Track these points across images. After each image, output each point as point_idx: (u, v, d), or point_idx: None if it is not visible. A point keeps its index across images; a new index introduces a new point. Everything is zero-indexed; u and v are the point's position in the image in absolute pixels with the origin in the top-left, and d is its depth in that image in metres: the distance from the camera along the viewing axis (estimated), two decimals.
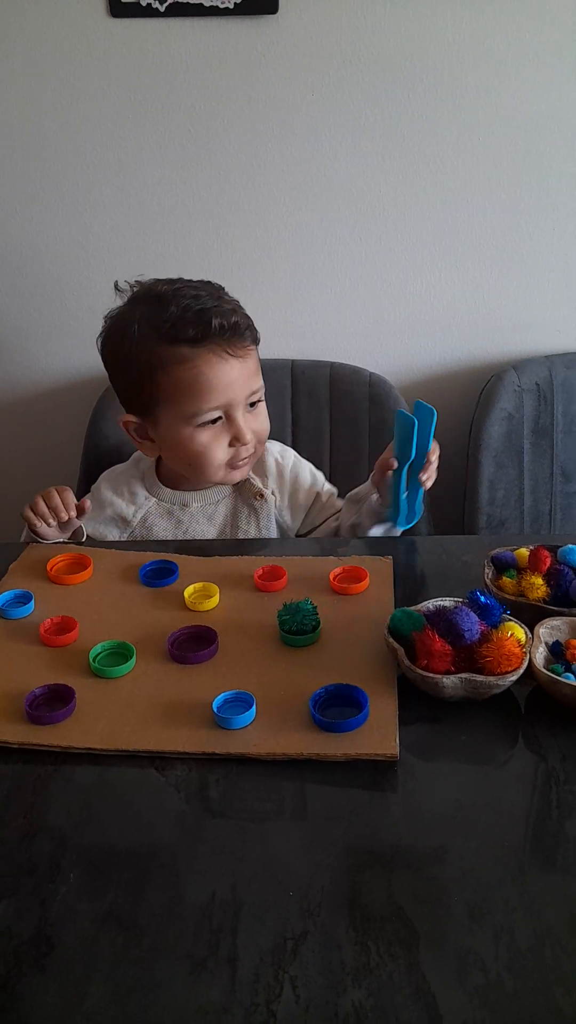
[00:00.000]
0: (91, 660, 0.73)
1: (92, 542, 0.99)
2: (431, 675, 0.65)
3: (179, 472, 1.02)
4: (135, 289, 0.98)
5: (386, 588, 0.83)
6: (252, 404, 0.97)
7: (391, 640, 0.69)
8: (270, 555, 0.90)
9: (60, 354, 1.29)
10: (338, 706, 0.67)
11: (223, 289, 0.99)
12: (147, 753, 0.63)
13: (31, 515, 0.94)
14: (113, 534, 1.03)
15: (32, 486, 1.36)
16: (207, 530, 1.03)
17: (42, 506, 0.94)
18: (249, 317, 0.97)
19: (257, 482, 1.02)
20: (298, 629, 0.74)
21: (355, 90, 1.13)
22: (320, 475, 1.07)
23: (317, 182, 1.18)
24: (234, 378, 0.93)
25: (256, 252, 1.22)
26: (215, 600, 0.82)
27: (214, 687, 0.69)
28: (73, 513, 0.95)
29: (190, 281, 0.96)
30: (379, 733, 0.63)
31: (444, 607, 0.72)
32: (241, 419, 0.94)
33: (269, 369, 1.24)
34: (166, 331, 0.91)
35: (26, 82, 1.14)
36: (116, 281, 0.99)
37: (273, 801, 0.60)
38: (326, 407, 1.23)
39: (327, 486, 1.07)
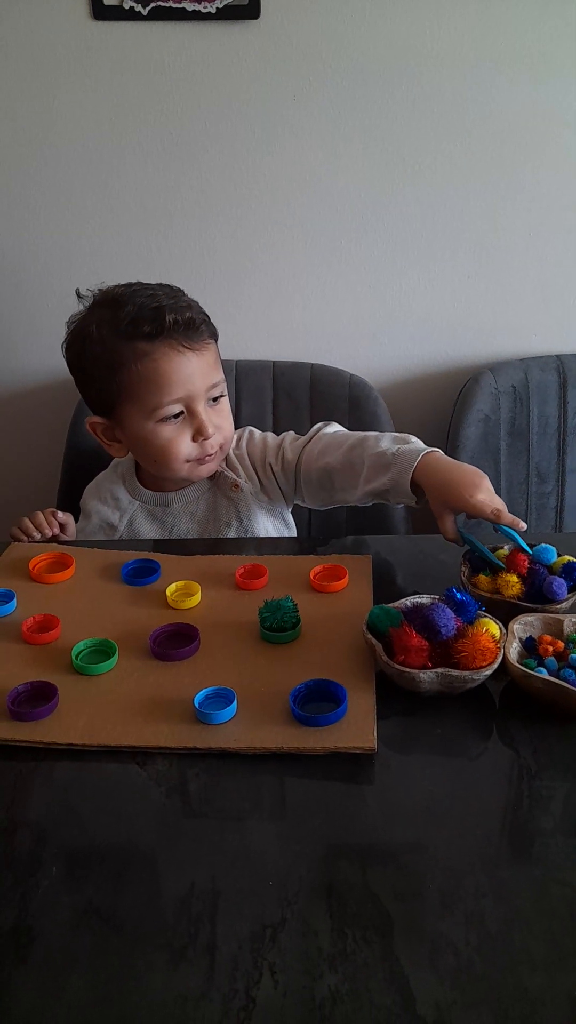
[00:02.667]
0: (73, 658, 0.73)
1: (78, 541, 1.00)
2: (408, 670, 0.66)
3: (152, 471, 1.03)
4: (95, 295, 0.99)
5: (365, 586, 0.84)
6: (215, 400, 0.98)
7: (369, 636, 0.71)
8: (251, 554, 0.91)
9: (41, 354, 1.29)
10: (317, 701, 0.68)
11: (181, 291, 1.00)
12: (128, 748, 0.64)
13: (16, 531, 0.98)
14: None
15: (11, 485, 1.37)
16: (191, 527, 1.04)
17: (27, 523, 0.98)
18: (205, 314, 0.98)
19: (231, 474, 1.03)
20: (278, 626, 0.76)
21: (335, 96, 1.15)
22: (269, 441, 1.04)
23: (298, 186, 1.20)
24: (192, 371, 0.94)
25: (238, 255, 1.24)
26: (197, 598, 0.83)
27: (195, 683, 0.70)
28: (56, 530, 0.98)
29: (148, 284, 0.99)
30: (357, 727, 0.64)
31: (421, 604, 0.74)
32: (203, 412, 0.96)
33: (250, 370, 1.26)
34: (123, 329, 0.92)
35: (7, 83, 1.15)
36: (77, 288, 1.00)
37: (253, 794, 0.61)
38: (306, 408, 1.24)
39: (274, 446, 1.02)
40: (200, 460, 0.99)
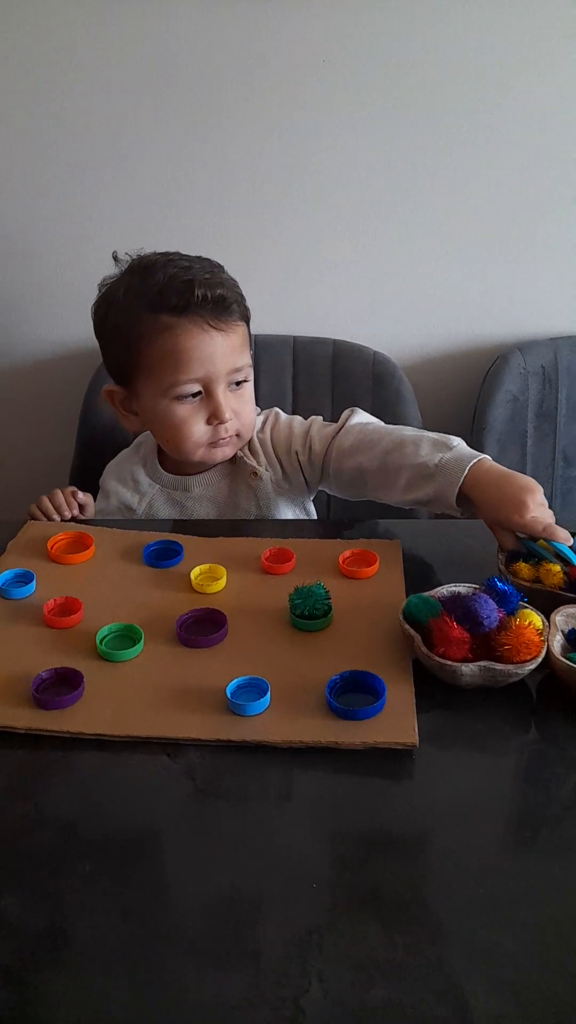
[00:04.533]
0: (98, 643, 0.71)
1: (98, 520, 0.97)
2: (449, 663, 0.64)
3: (166, 450, 1.00)
4: (131, 260, 0.96)
5: (396, 572, 0.82)
6: (237, 384, 0.95)
7: (407, 627, 0.68)
8: (274, 537, 0.89)
9: (54, 325, 1.25)
10: (353, 692, 0.65)
11: (221, 267, 0.96)
12: (158, 739, 0.62)
13: (36, 511, 0.94)
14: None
15: (23, 461, 1.34)
16: (210, 512, 1.01)
17: (46, 503, 0.94)
18: (240, 294, 0.94)
19: (251, 461, 0.99)
20: (310, 613, 0.73)
21: (360, 67, 1.10)
22: (294, 427, 0.99)
23: (321, 158, 1.15)
24: (215, 351, 0.90)
25: (258, 227, 1.19)
26: (222, 583, 0.80)
27: (225, 672, 0.67)
28: (76, 511, 0.95)
29: (187, 256, 0.94)
30: (397, 721, 0.62)
31: (459, 593, 0.71)
32: (221, 396, 0.92)
33: (269, 345, 1.22)
34: (150, 299, 0.89)
35: (22, 55, 1.09)
36: (115, 252, 0.97)
37: (290, 790, 0.59)
38: (327, 385, 1.20)
39: (300, 433, 0.97)
40: (214, 444, 0.95)
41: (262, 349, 1.22)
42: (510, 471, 0.80)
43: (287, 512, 1.00)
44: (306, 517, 1.04)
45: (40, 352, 1.27)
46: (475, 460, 0.82)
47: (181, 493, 1.01)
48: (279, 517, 0.99)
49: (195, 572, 0.81)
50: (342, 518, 1.20)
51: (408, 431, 0.91)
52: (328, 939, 0.48)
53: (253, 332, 1.20)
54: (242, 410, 0.95)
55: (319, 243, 1.20)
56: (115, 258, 0.96)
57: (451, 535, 0.91)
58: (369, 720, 0.62)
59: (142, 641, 0.71)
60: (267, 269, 1.21)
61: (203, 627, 0.74)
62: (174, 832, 0.56)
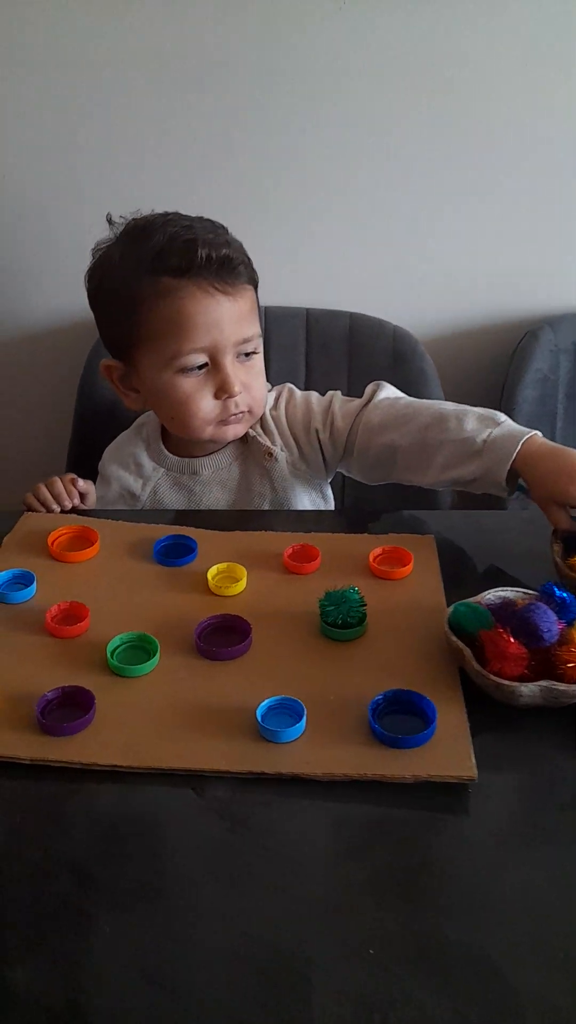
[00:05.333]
0: (109, 656, 0.63)
1: (102, 512, 0.90)
2: (507, 683, 0.57)
3: (171, 430, 0.92)
4: (127, 222, 0.88)
5: (432, 572, 0.75)
6: (246, 356, 0.87)
7: (455, 639, 0.61)
8: (292, 530, 0.81)
9: (48, 296, 1.16)
10: (398, 713, 0.59)
11: (224, 228, 0.88)
12: (182, 771, 0.55)
13: (33, 501, 0.86)
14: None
15: (18, 443, 1.25)
16: (220, 497, 0.93)
17: (44, 492, 0.86)
18: (247, 256, 0.87)
19: (264, 440, 0.92)
20: (344, 622, 0.66)
21: (378, 19, 1.00)
22: (312, 403, 0.92)
23: (337, 114, 1.05)
24: (221, 317, 0.83)
25: (269, 188, 1.10)
26: (242, 584, 0.73)
27: (252, 689, 0.61)
28: (76, 501, 0.87)
29: (187, 216, 0.87)
30: (450, 749, 0.55)
31: (510, 600, 0.65)
32: (229, 366, 0.85)
33: (281, 318, 1.13)
34: (149, 261, 0.82)
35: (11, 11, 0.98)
36: (109, 214, 0.89)
37: (334, 830, 0.52)
38: (344, 362, 1.12)
39: (320, 410, 0.91)
40: (224, 421, 0.88)
41: (272, 322, 1.13)
42: (562, 446, 0.75)
43: (303, 496, 0.93)
44: (323, 501, 0.97)
45: (32, 325, 1.18)
46: (527, 435, 0.77)
47: (188, 477, 0.93)
48: (295, 501, 0.92)
49: (212, 572, 0.73)
50: (364, 507, 1.13)
51: (448, 405, 0.84)
52: (391, 1016, 0.42)
53: (263, 304, 1.12)
54: (253, 384, 0.88)
55: (334, 207, 1.11)
56: (109, 220, 0.89)
57: (486, 527, 0.85)
58: (418, 748, 0.55)
59: (157, 653, 0.64)
60: (277, 235, 1.12)
61: (224, 636, 0.67)
62: (202, 879, 0.49)
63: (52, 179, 1.10)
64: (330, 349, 1.12)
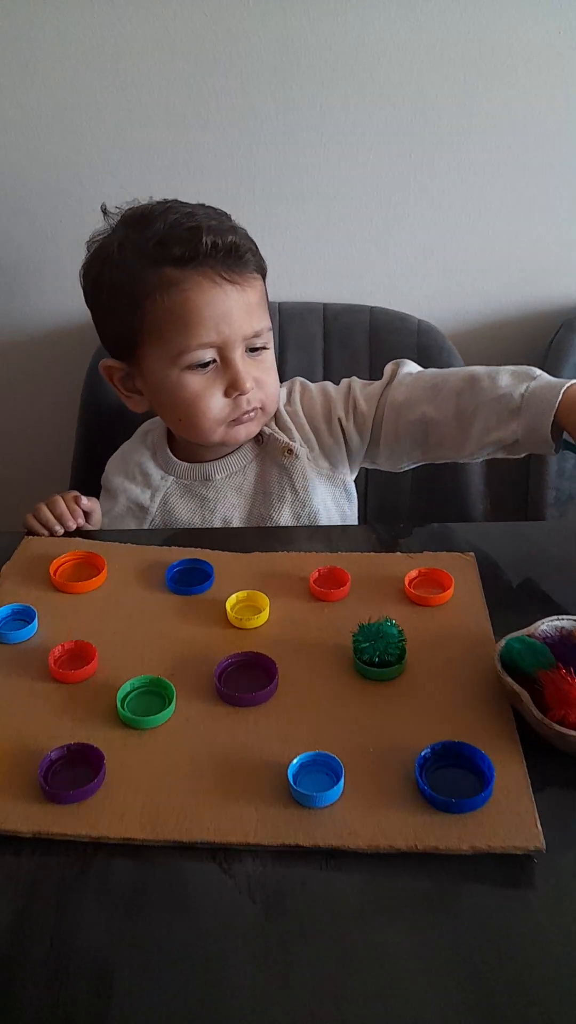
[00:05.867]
0: (119, 705, 0.57)
1: (110, 533, 0.83)
2: (573, 732, 0.50)
3: (179, 434, 0.86)
4: (124, 212, 0.82)
5: (475, 596, 0.67)
6: (255, 351, 0.81)
7: (510, 681, 0.54)
8: (314, 545, 0.74)
9: (49, 296, 1.09)
10: (448, 767, 0.52)
11: (227, 215, 0.83)
12: (206, 844, 0.48)
13: (34, 523, 0.80)
14: (131, 526, 0.87)
15: (19, 453, 1.19)
16: (237, 503, 0.87)
17: (46, 513, 0.80)
18: (254, 243, 0.81)
19: (282, 436, 0.86)
20: (381, 660, 0.59)
21: None
22: (330, 392, 0.88)
23: (359, 91, 0.97)
24: (230, 309, 0.77)
25: (284, 174, 1.02)
26: (265, 615, 0.66)
27: (281, 742, 0.54)
28: (81, 521, 0.81)
29: (187, 203, 0.81)
30: (512, 813, 0.48)
31: (567, 630, 0.57)
32: (239, 362, 0.79)
33: (296, 314, 1.06)
34: (150, 251, 0.77)
35: None
36: (103, 204, 0.83)
37: (379, 908, 0.45)
38: (365, 359, 1.05)
39: (340, 398, 0.86)
40: (236, 420, 0.81)
41: (287, 319, 1.06)
42: None
43: (326, 495, 0.87)
44: (347, 499, 0.90)
45: (30, 329, 1.11)
46: (568, 384, 0.72)
47: (200, 483, 0.87)
48: (318, 501, 0.86)
49: (231, 602, 0.67)
50: (392, 515, 1.06)
51: (477, 368, 0.79)
52: None
53: (276, 299, 1.05)
54: (265, 379, 0.82)
55: (351, 193, 1.03)
56: (104, 211, 0.83)
57: (528, 539, 0.78)
58: (476, 813, 0.48)
59: (174, 701, 0.57)
60: (295, 226, 1.04)
61: (247, 676, 0.60)
62: (234, 974, 0.42)
63: (44, 167, 1.02)
64: (350, 346, 1.05)
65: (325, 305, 1.06)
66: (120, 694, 0.57)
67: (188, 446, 0.87)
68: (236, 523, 0.86)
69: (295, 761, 0.51)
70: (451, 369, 0.82)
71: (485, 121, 0.99)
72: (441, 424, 0.79)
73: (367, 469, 0.93)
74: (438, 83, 0.97)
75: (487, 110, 0.99)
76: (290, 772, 0.51)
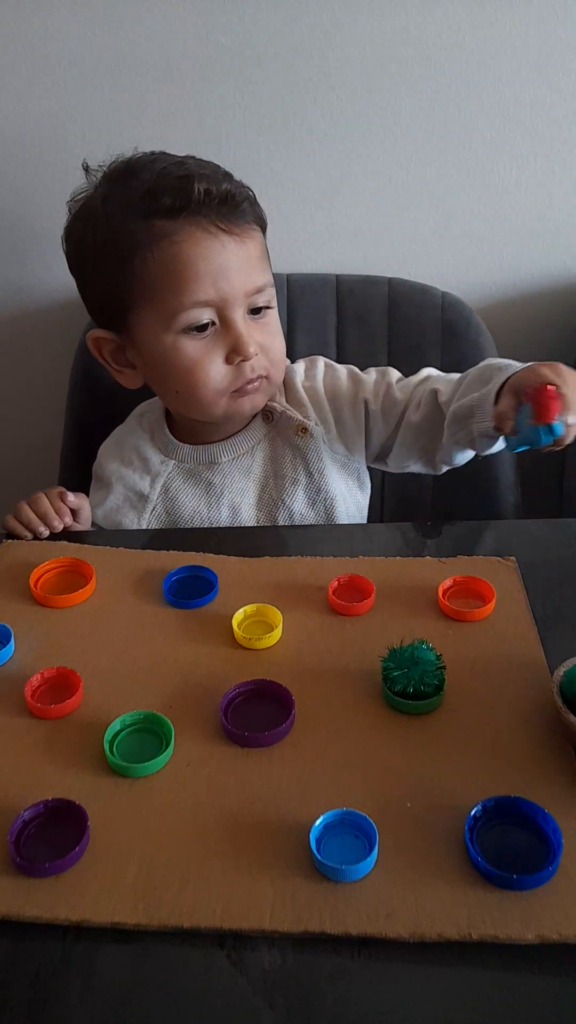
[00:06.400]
0: (107, 748, 0.48)
1: (100, 534, 0.75)
2: None
3: (177, 411, 0.79)
4: (107, 167, 0.75)
5: (520, 610, 0.59)
6: (258, 311, 0.74)
7: (570, 717, 0.45)
8: (334, 547, 0.65)
9: (31, 267, 0.99)
10: (503, 825, 0.43)
11: (218, 166, 0.75)
12: (212, 931, 0.40)
13: (15, 525, 0.71)
14: (129, 517, 0.79)
15: (1, 442, 1.10)
16: (246, 488, 0.79)
17: (28, 512, 0.71)
18: (250, 192, 0.74)
19: (295, 413, 0.78)
20: (416, 691, 0.50)
21: None
22: (359, 374, 0.82)
23: (375, 36, 0.86)
24: (227, 261, 0.70)
25: (292, 128, 0.92)
26: (277, 633, 0.57)
27: (301, 792, 0.45)
28: (68, 520, 0.73)
29: (174, 155, 0.74)
30: None
31: None
32: (240, 323, 0.71)
33: (306, 287, 0.97)
34: (137, 203, 0.70)
35: None
36: (84, 161, 0.75)
37: (426, 1011, 0.37)
38: (383, 336, 0.95)
39: (371, 380, 0.80)
40: (240, 391, 0.73)
41: (295, 293, 0.96)
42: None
43: (339, 482, 0.79)
44: (359, 489, 0.83)
45: (15, 305, 1.01)
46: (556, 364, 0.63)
47: (205, 467, 0.79)
48: (332, 488, 0.78)
49: (238, 617, 0.58)
50: (413, 507, 0.97)
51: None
52: None
53: (282, 271, 0.96)
54: (270, 344, 0.74)
55: (370, 153, 0.93)
56: (86, 168, 0.75)
57: (573, 538, 0.68)
58: (541, 889, 0.40)
59: (172, 742, 0.48)
60: (305, 188, 0.94)
61: (257, 710, 0.51)
62: None
63: (30, 127, 0.92)
64: (366, 322, 0.95)
65: (338, 277, 0.97)
66: (108, 734, 0.49)
67: (189, 426, 0.80)
68: (245, 510, 0.78)
69: (318, 822, 0.42)
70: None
71: (521, 66, 0.88)
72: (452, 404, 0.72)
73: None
74: (468, 20, 0.86)
75: (524, 54, 0.88)
76: (312, 836, 0.42)
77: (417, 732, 0.49)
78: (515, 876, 0.39)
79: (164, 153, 0.73)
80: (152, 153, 0.73)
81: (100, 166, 0.74)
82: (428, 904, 0.39)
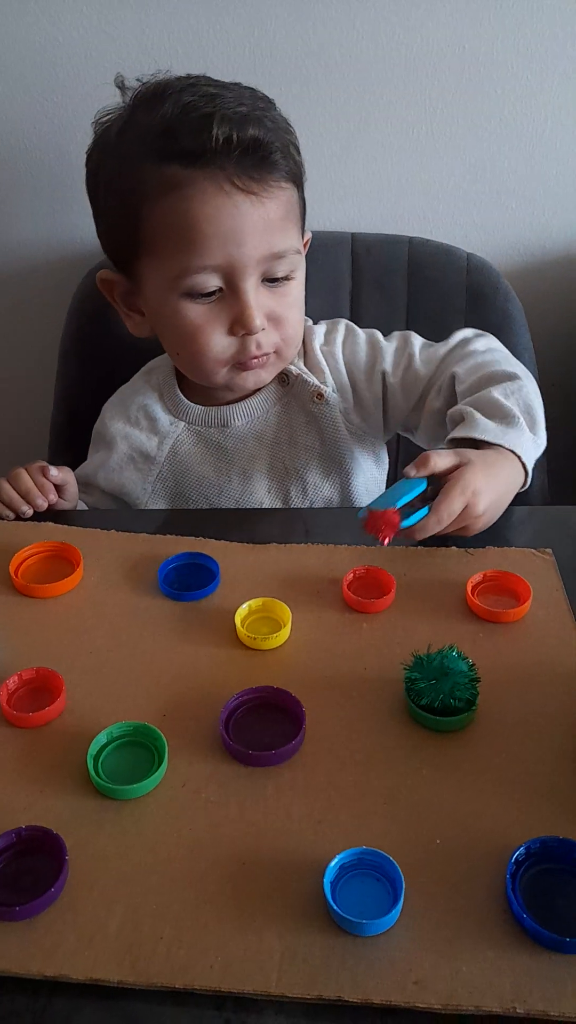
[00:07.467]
0: (91, 766, 0.42)
1: (89, 515, 0.68)
2: None
3: (178, 367, 0.74)
4: (140, 86, 0.66)
5: (560, 611, 0.52)
6: (275, 281, 0.66)
7: None
8: (353, 539, 0.59)
9: (20, 218, 0.91)
10: (548, 871, 0.37)
11: (271, 103, 0.67)
12: (208, 992, 0.34)
13: None
14: (133, 480, 0.73)
15: None
16: (258, 454, 0.73)
17: (8, 491, 0.65)
18: (291, 138, 0.67)
19: (311, 378, 0.73)
20: (445, 707, 0.44)
21: None
22: (379, 341, 0.76)
23: None
24: (240, 224, 0.63)
25: (305, 68, 0.83)
26: (285, 632, 0.51)
27: (313, 824, 0.40)
28: (53, 497, 0.66)
29: (218, 81, 0.66)
30: None
31: None
32: (249, 293, 0.64)
33: (320, 245, 0.89)
34: (152, 141, 0.63)
35: None
36: (119, 75, 0.67)
37: None
38: (401, 301, 0.88)
39: (391, 349, 0.74)
40: (242, 364, 0.67)
41: (309, 251, 0.88)
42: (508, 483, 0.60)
43: (356, 457, 0.74)
44: (377, 469, 0.77)
45: (2, 261, 0.94)
46: (505, 445, 0.60)
47: (217, 430, 0.73)
48: (347, 459, 0.73)
49: (242, 613, 0.52)
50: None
51: (519, 372, 0.68)
52: None
53: None
54: (285, 317, 0.67)
55: (387, 97, 0.85)
56: (119, 86, 0.67)
57: None
58: None
59: (165, 759, 0.42)
60: (319, 136, 0.86)
61: (263, 721, 0.45)
62: None
63: (22, 57, 0.84)
64: (384, 286, 0.88)
65: (354, 235, 0.89)
66: (93, 748, 0.43)
67: (200, 386, 0.74)
68: (257, 478, 0.73)
69: (334, 862, 0.37)
70: (501, 365, 0.68)
71: (543, 21, 0.80)
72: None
73: (399, 435, 0.78)
74: None
75: (542, 15, 0.79)
76: (327, 879, 0.36)
77: (445, 754, 0.43)
78: (568, 940, 0.33)
79: (202, 78, 0.65)
80: (189, 77, 0.65)
81: (138, 79, 0.66)
82: (465, 968, 0.34)
